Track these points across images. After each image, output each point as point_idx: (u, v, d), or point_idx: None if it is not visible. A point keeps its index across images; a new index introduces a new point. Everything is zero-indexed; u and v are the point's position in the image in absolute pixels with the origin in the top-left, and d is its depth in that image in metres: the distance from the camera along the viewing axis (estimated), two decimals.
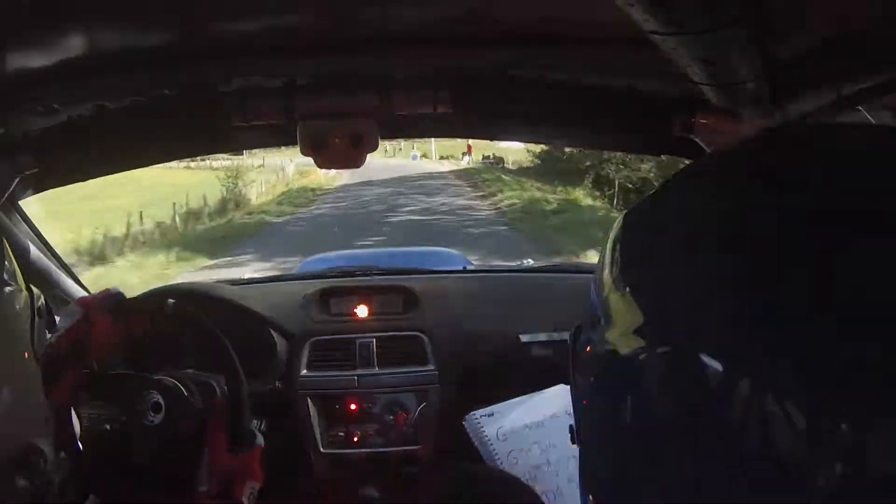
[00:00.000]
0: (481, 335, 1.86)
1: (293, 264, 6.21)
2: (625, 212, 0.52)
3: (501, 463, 1.42)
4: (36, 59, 0.96)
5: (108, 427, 1.46)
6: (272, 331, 1.83)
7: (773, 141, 0.49)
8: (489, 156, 29.44)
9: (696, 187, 0.48)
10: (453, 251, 4.36)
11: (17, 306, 0.83)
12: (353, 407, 1.80)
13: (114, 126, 1.11)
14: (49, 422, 0.89)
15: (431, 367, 1.79)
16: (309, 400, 1.79)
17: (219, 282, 2.24)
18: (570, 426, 0.59)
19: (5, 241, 0.86)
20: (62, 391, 1.36)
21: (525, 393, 1.79)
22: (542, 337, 1.80)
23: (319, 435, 1.79)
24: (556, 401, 1.47)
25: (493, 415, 1.48)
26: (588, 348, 0.52)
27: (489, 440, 1.47)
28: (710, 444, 0.39)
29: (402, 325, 1.86)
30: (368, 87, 1.03)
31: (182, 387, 1.51)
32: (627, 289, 0.46)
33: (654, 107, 1.05)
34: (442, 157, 35.23)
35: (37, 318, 0.89)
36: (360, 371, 1.80)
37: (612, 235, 0.52)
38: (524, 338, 1.79)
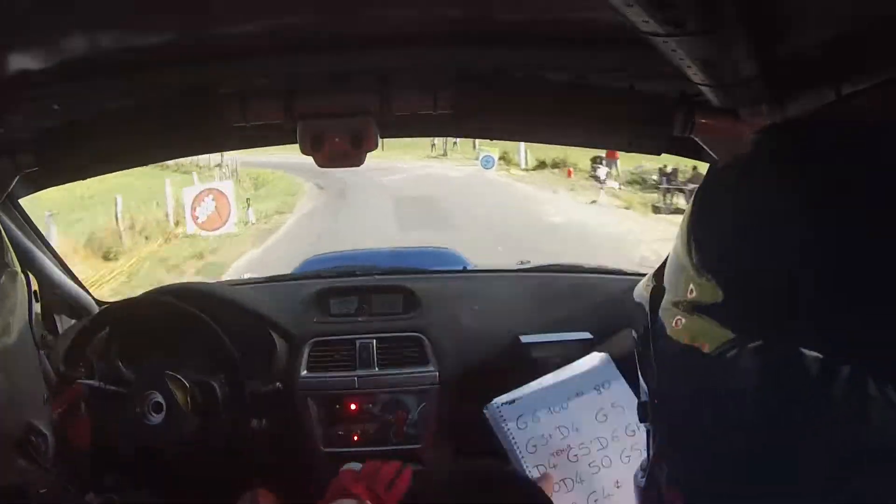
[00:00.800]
0: (481, 335, 1.86)
1: None
2: (699, 189, 0.52)
3: (519, 451, 1.41)
4: (36, 60, 0.96)
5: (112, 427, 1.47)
6: (272, 331, 1.83)
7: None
8: (662, 169, 14.12)
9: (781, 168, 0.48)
10: (453, 251, 4.35)
11: (17, 289, 0.83)
12: (353, 407, 1.80)
13: (114, 126, 1.11)
14: (48, 403, 0.90)
15: (431, 368, 1.79)
16: (309, 400, 1.79)
17: (219, 282, 2.24)
18: (640, 404, 0.58)
19: (0, 227, 0.86)
20: (64, 401, 1.36)
21: None
22: (543, 337, 1.80)
23: (320, 435, 1.79)
24: (583, 376, 1.45)
25: (514, 402, 1.45)
26: (671, 323, 0.51)
27: (509, 431, 1.44)
28: (814, 439, 0.38)
29: (402, 325, 1.86)
30: (368, 87, 1.03)
31: (182, 387, 1.51)
32: (710, 271, 0.46)
33: (654, 107, 1.04)
34: (539, 164, 18.99)
35: (35, 302, 0.89)
36: (360, 371, 1.80)
37: (691, 213, 0.51)
38: (524, 338, 1.79)
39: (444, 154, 22.01)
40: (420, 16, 0.93)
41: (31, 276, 0.91)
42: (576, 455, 1.39)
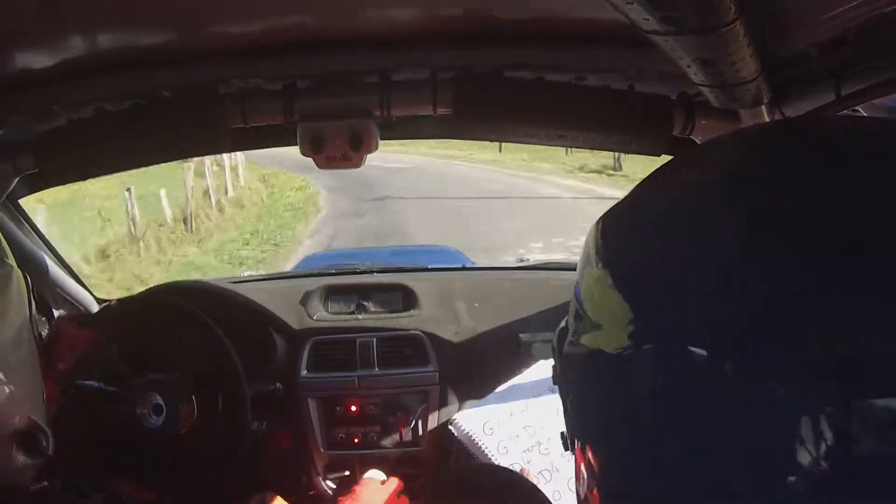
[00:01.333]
0: (481, 333, 1.86)
1: None
2: (602, 216, 0.53)
3: (492, 455, 1.46)
4: (36, 60, 0.96)
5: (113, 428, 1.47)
6: (272, 330, 1.83)
7: (749, 138, 0.50)
8: None
9: (671, 184, 0.49)
10: (454, 249, 4.35)
11: (14, 285, 0.83)
12: (353, 408, 1.80)
13: (114, 126, 1.11)
14: (45, 401, 0.90)
15: (431, 368, 1.79)
16: (309, 400, 1.79)
17: (218, 280, 2.24)
18: (562, 433, 0.60)
19: None
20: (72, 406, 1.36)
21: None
22: (543, 336, 1.80)
23: (320, 436, 1.79)
24: (536, 383, 1.53)
25: (475, 411, 1.52)
26: (573, 349, 0.53)
27: (476, 437, 1.50)
28: (704, 438, 0.39)
29: (401, 323, 1.86)
30: (368, 88, 1.03)
31: (182, 387, 1.51)
32: (611, 286, 0.47)
33: (654, 107, 1.04)
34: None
35: (33, 303, 0.89)
36: (360, 372, 1.79)
37: (590, 238, 0.52)
38: (524, 336, 1.79)
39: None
40: (420, 16, 0.93)
41: (26, 273, 0.90)
42: (546, 448, 1.45)
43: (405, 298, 1.92)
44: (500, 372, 1.81)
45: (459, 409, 1.81)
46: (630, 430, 0.45)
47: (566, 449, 0.59)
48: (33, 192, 1.42)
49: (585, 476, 0.52)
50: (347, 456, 1.80)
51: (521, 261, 2.69)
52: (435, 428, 1.79)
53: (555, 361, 0.59)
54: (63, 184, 1.33)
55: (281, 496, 1.29)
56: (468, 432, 1.50)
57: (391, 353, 1.81)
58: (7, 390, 0.78)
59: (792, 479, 0.36)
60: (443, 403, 1.79)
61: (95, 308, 1.81)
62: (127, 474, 1.56)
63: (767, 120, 0.90)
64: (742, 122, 0.96)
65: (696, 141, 1.06)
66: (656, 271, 0.44)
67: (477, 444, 1.49)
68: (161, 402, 1.49)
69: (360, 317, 1.90)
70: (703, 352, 0.39)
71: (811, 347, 0.36)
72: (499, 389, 1.54)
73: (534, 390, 1.52)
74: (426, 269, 2.31)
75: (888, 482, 0.34)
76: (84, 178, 1.28)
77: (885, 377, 0.34)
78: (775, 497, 0.36)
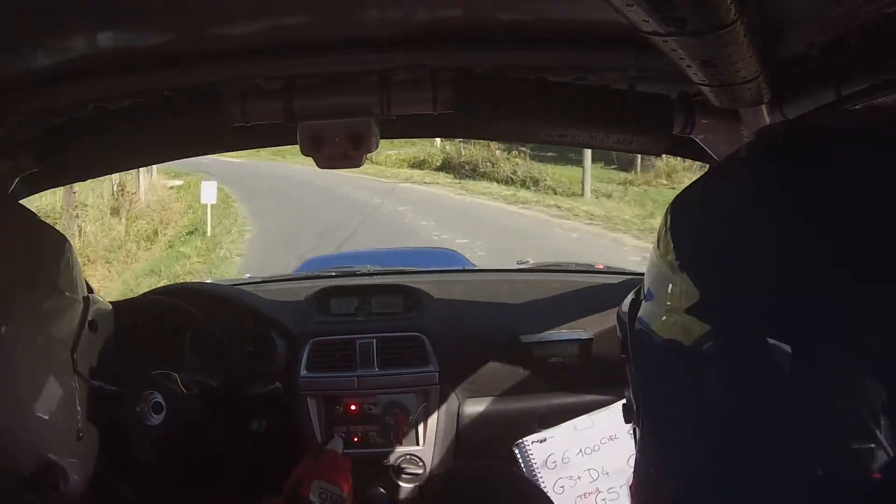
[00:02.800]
0: (482, 335, 1.86)
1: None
2: (675, 197, 0.53)
3: (547, 492, 1.35)
4: (36, 60, 0.96)
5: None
6: (272, 331, 1.83)
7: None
8: None
9: (748, 171, 0.49)
10: (453, 251, 4.36)
11: (65, 315, 0.80)
12: (353, 408, 1.80)
13: (114, 126, 1.11)
14: (83, 439, 0.86)
15: (432, 368, 1.79)
16: (309, 401, 1.79)
17: (219, 282, 2.24)
18: (624, 406, 0.59)
19: (72, 250, 0.84)
20: None
21: (526, 393, 1.80)
22: (543, 337, 1.80)
23: (320, 436, 1.79)
24: (619, 419, 1.44)
25: (545, 440, 1.43)
26: (649, 325, 0.52)
27: (536, 468, 1.42)
28: (779, 432, 0.39)
29: (402, 325, 1.86)
30: (368, 87, 1.03)
31: (182, 387, 1.51)
32: (686, 269, 0.47)
33: (654, 107, 1.04)
34: None
35: (86, 329, 0.86)
36: (360, 372, 1.79)
37: (665, 220, 0.53)
38: (524, 338, 1.79)
39: None
40: (420, 16, 0.93)
41: (90, 301, 0.88)
42: (604, 499, 1.36)
43: (405, 300, 1.92)
44: (499, 372, 1.81)
45: (459, 409, 1.81)
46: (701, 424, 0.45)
47: (626, 422, 0.59)
48: (33, 193, 1.42)
49: (646, 452, 0.52)
50: (347, 456, 1.80)
51: (521, 262, 2.69)
52: (435, 428, 1.79)
53: (623, 333, 0.58)
54: (63, 184, 1.33)
55: (280, 495, 1.29)
56: (531, 461, 1.42)
57: (391, 354, 1.81)
58: (30, 426, 0.77)
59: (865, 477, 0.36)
60: (443, 403, 1.79)
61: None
62: (127, 473, 1.55)
63: (768, 120, 0.90)
64: (742, 121, 0.96)
65: (697, 140, 1.06)
66: (736, 257, 0.44)
67: (535, 474, 1.41)
68: (161, 400, 1.49)
69: (360, 318, 1.90)
70: (786, 346, 0.39)
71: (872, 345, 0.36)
72: (577, 421, 1.43)
73: (614, 428, 1.39)
74: (426, 271, 2.31)
75: None
76: (84, 178, 1.28)
77: None
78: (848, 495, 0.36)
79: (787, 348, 0.39)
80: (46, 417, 0.80)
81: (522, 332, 1.80)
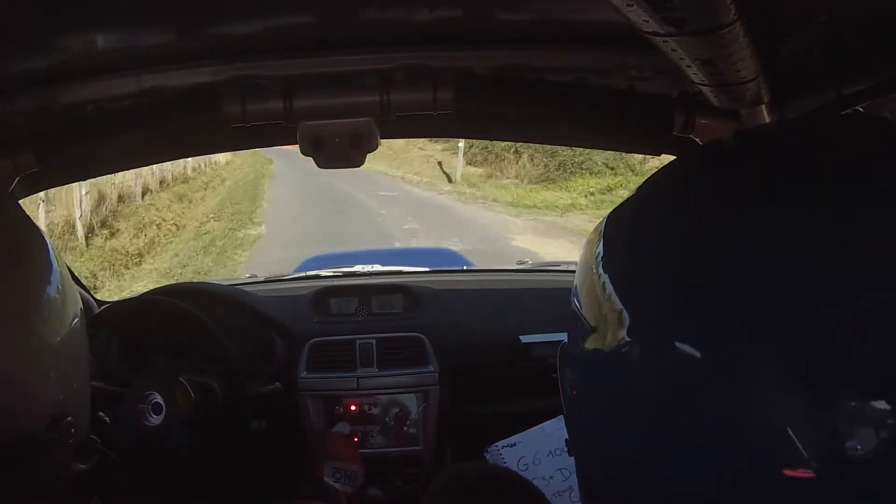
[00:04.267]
0: (482, 336, 1.86)
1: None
2: (602, 221, 0.54)
3: None
4: (36, 60, 0.96)
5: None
6: (272, 331, 1.83)
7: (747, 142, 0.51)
8: None
9: (670, 191, 0.50)
10: (454, 251, 4.36)
11: (62, 283, 0.83)
12: (353, 408, 1.80)
13: (114, 126, 1.11)
14: (87, 397, 0.90)
15: (432, 369, 1.79)
16: (309, 401, 1.79)
17: (219, 282, 2.24)
18: (566, 440, 0.60)
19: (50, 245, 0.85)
20: None
21: (526, 394, 1.80)
22: (543, 337, 1.80)
23: (320, 436, 1.79)
24: None
25: (514, 445, 1.46)
26: (574, 356, 0.54)
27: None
28: (692, 433, 0.40)
29: (402, 325, 1.86)
30: (368, 87, 1.03)
31: (182, 388, 1.51)
32: (610, 290, 0.47)
33: (654, 107, 1.04)
34: None
35: (80, 322, 0.89)
36: (360, 372, 1.80)
37: (589, 245, 0.54)
38: (525, 338, 1.79)
39: None
40: (420, 16, 0.93)
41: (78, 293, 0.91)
42: (577, 495, 1.39)
43: (405, 300, 1.92)
44: (500, 373, 1.81)
45: (459, 410, 1.81)
46: (627, 425, 0.45)
47: (569, 454, 0.59)
48: (33, 192, 1.42)
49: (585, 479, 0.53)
50: None
51: (521, 263, 2.69)
52: (435, 428, 1.79)
53: (559, 374, 0.60)
54: (63, 184, 1.33)
55: (281, 495, 1.29)
56: (503, 465, 1.44)
57: (391, 354, 1.81)
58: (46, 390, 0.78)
59: (779, 478, 0.36)
60: (443, 403, 1.79)
61: (95, 309, 1.80)
62: (126, 473, 1.55)
63: (768, 120, 0.90)
64: (742, 121, 0.95)
65: (697, 141, 1.06)
66: (651, 272, 0.45)
67: None
68: (161, 401, 1.49)
69: (360, 318, 1.90)
70: (695, 350, 0.39)
71: (793, 350, 0.36)
72: (546, 424, 1.47)
73: None
74: (426, 271, 2.31)
75: (881, 480, 0.34)
76: (84, 177, 1.28)
77: (863, 379, 0.35)
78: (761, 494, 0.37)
79: (699, 354, 0.40)
80: (60, 368, 0.82)
81: (522, 333, 1.80)
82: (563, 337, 1.68)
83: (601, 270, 0.50)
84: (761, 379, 0.37)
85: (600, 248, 0.51)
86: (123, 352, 1.64)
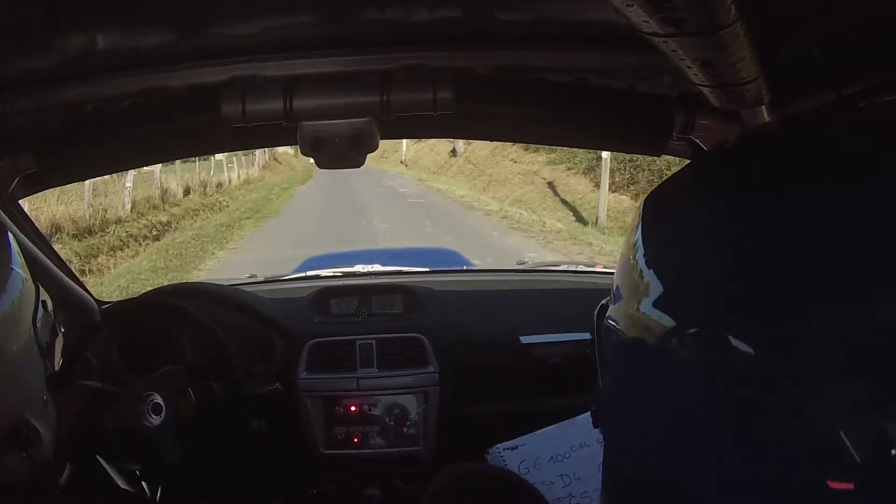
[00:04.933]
0: (482, 336, 1.86)
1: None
2: (647, 196, 0.54)
3: None
4: (36, 60, 0.96)
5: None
6: (272, 331, 1.83)
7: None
8: None
9: (721, 172, 0.49)
10: (454, 251, 4.36)
11: (21, 290, 0.83)
12: (353, 408, 1.80)
13: (114, 126, 1.11)
14: (48, 405, 0.90)
15: (432, 369, 1.79)
16: (309, 401, 1.79)
17: (220, 282, 2.24)
18: (592, 410, 0.60)
19: (8, 232, 0.86)
20: (70, 406, 1.37)
21: (526, 394, 1.80)
22: (543, 338, 1.80)
23: (319, 436, 1.79)
24: (586, 429, 1.42)
25: (516, 448, 1.45)
26: (612, 325, 0.53)
27: None
28: (738, 432, 0.39)
29: (402, 325, 1.86)
30: (368, 87, 1.03)
31: (182, 388, 1.51)
32: (654, 266, 0.47)
33: (654, 107, 1.04)
34: None
35: (41, 310, 0.89)
36: (360, 373, 1.80)
37: (636, 219, 0.53)
38: (525, 339, 1.79)
39: None
40: (420, 16, 0.92)
41: (40, 288, 0.91)
42: (578, 503, 1.37)
43: (405, 301, 1.92)
44: (500, 373, 1.81)
45: (459, 410, 1.81)
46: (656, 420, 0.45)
47: (594, 426, 0.59)
48: (33, 192, 1.42)
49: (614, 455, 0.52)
50: (347, 455, 1.80)
51: (521, 263, 2.69)
52: (435, 428, 1.79)
53: (593, 335, 0.59)
54: (63, 184, 1.33)
55: (281, 495, 1.29)
56: (504, 466, 1.43)
57: (391, 355, 1.81)
58: (4, 391, 0.78)
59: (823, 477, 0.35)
60: (442, 404, 1.79)
61: (95, 309, 1.80)
62: (126, 474, 1.55)
63: (768, 120, 0.90)
64: (743, 122, 0.95)
65: (697, 141, 1.06)
66: (703, 255, 0.44)
67: None
68: (160, 401, 1.49)
69: (360, 319, 1.90)
70: (748, 346, 0.39)
71: (850, 350, 0.35)
72: (548, 429, 1.45)
73: (582, 437, 1.42)
74: (426, 272, 2.31)
75: None
76: (84, 177, 1.28)
77: None
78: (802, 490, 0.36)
79: (752, 347, 0.39)
80: (20, 384, 0.82)
81: (522, 333, 1.80)
82: (563, 337, 1.68)
83: (644, 265, 0.49)
84: (815, 379, 0.36)
85: (639, 237, 0.51)
86: (123, 352, 1.64)
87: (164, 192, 12.66)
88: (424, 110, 1.03)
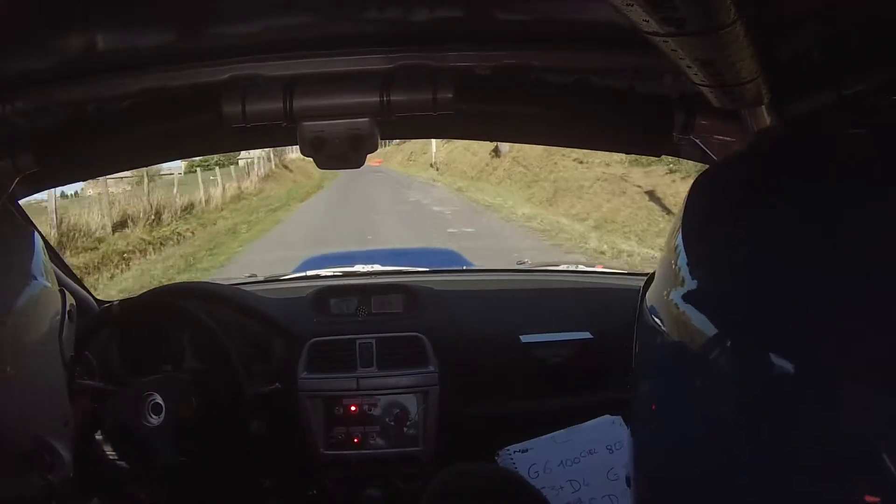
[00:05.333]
0: (482, 336, 1.86)
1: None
2: (695, 180, 0.53)
3: None
4: (36, 60, 0.96)
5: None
6: (272, 331, 1.83)
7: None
8: None
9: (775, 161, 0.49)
10: (454, 251, 4.36)
11: (49, 305, 0.83)
12: (353, 408, 1.80)
13: (114, 126, 1.12)
14: (69, 425, 0.89)
15: (432, 369, 1.79)
16: (308, 401, 1.79)
17: (220, 282, 2.24)
18: (622, 411, 0.59)
19: (39, 237, 0.86)
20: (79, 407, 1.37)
21: (526, 394, 1.80)
22: (543, 337, 1.80)
23: (319, 436, 1.79)
24: (595, 435, 1.45)
25: (527, 451, 1.45)
26: (656, 319, 0.52)
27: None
28: (766, 436, 0.38)
29: (402, 325, 1.86)
30: (368, 87, 1.03)
31: (182, 388, 1.51)
32: (689, 254, 0.47)
33: (654, 107, 1.04)
34: None
35: (66, 321, 0.88)
36: (360, 372, 1.79)
37: (686, 199, 0.53)
38: (524, 338, 1.79)
39: None
40: (420, 16, 0.93)
41: (66, 294, 0.90)
42: None
43: (405, 300, 1.92)
44: (500, 373, 1.81)
45: (459, 410, 1.81)
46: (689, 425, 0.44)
47: (626, 422, 0.58)
48: (33, 192, 1.42)
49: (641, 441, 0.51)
50: (347, 456, 1.80)
51: (521, 263, 2.69)
52: (435, 428, 1.79)
53: (639, 308, 0.59)
54: (63, 184, 1.33)
55: (281, 495, 1.29)
56: (515, 469, 1.43)
57: (391, 354, 1.81)
58: (26, 411, 0.78)
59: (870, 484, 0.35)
60: (442, 404, 1.79)
61: (95, 310, 1.81)
62: (126, 474, 1.55)
63: (767, 120, 0.90)
64: (742, 122, 0.95)
65: (697, 141, 1.06)
66: (739, 280, 0.44)
67: None
68: (160, 401, 1.49)
69: (359, 318, 1.90)
70: (788, 363, 0.38)
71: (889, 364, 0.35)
72: (557, 433, 1.46)
73: (591, 443, 1.43)
74: (426, 271, 2.31)
75: None
76: (84, 178, 1.29)
77: None
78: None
79: (783, 348, 0.38)
80: (42, 403, 0.81)
81: (522, 333, 1.80)
82: (564, 337, 1.67)
83: (684, 275, 0.49)
84: (852, 393, 0.36)
85: (679, 239, 0.50)
86: (123, 352, 1.64)
87: (72, 230, 9.15)
88: (424, 110, 1.03)
